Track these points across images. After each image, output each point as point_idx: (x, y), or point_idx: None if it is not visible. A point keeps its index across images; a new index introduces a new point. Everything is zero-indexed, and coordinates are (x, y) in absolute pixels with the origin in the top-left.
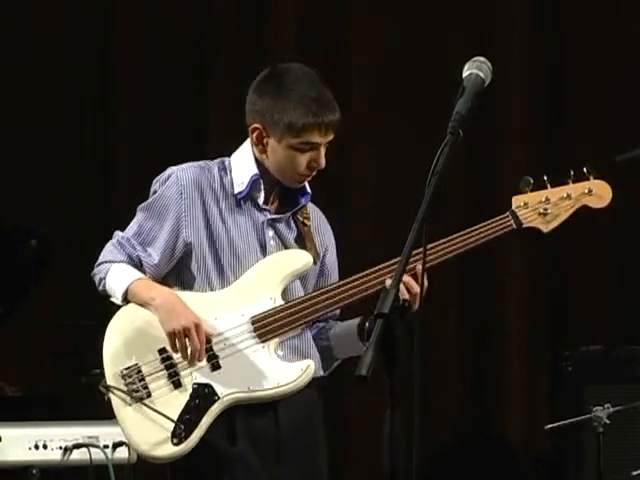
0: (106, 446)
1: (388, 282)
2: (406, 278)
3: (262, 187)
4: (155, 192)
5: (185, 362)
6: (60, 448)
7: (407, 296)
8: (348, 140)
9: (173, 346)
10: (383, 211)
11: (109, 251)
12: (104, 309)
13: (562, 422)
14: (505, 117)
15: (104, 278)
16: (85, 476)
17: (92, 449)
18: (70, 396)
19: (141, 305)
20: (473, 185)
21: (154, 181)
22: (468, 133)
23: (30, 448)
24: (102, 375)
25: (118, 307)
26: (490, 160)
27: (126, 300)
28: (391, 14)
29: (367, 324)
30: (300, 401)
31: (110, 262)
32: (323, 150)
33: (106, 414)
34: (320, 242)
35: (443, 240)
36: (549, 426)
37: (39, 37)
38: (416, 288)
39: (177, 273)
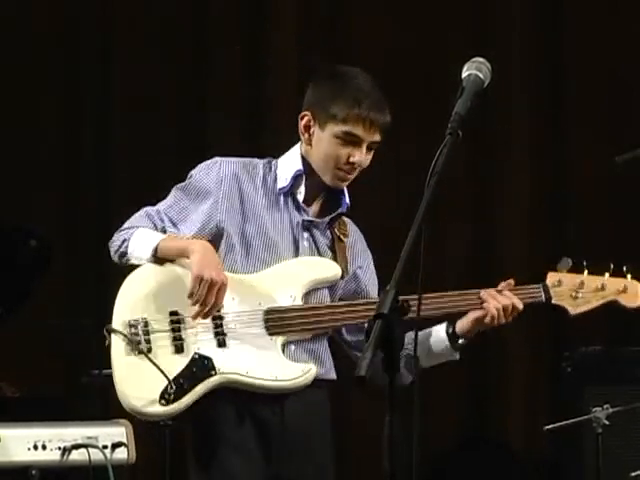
0: (105, 446)
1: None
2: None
3: (304, 183)
4: (192, 176)
5: (194, 327)
6: (59, 449)
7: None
8: None
9: (193, 292)
10: (384, 212)
11: (135, 218)
12: (104, 309)
13: (561, 423)
14: (505, 117)
15: (128, 239)
16: (85, 476)
17: (91, 449)
18: (69, 397)
19: (173, 255)
20: (473, 184)
21: (196, 168)
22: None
23: (29, 449)
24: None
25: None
26: (490, 160)
27: (154, 257)
28: (391, 14)
29: (367, 324)
30: (309, 400)
31: (135, 227)
32: (365, 148)
33: (105, 415)
34: (352, 260)
35: (483, 295)
36: (548, 427)
37: (39, 37)
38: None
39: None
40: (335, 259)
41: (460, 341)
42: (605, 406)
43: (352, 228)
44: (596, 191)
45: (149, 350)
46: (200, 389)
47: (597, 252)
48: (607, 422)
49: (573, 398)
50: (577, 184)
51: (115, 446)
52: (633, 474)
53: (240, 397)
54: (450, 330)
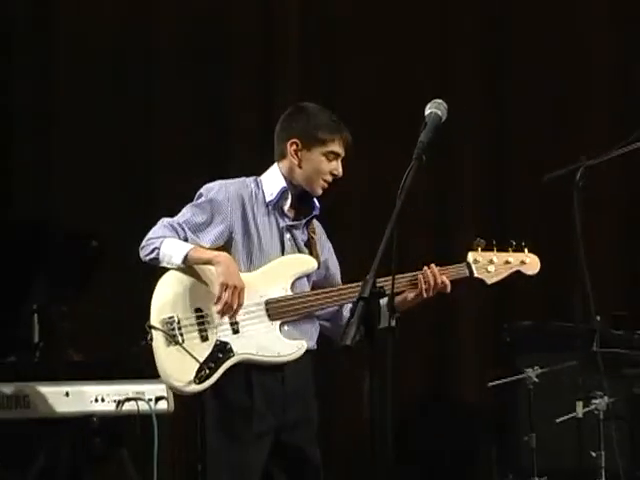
0: (150, 400)
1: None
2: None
3: (289, 196)
4: (202, 196)
5: (216, 319)
6: (114, 401)
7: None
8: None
9: (220, 295)
10: (370, 223)
11: (160, 228)
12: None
13: (500, 381)
14: (463, 147)
15: (159, 247)
16: (133, 423)
17: (139, 402)
18: (123, 362)
19: (200, 263)
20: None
21: (203, 189)
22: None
23: (91, 401)
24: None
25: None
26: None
27: (183, 263)
28: (382, 54)
29: (351, 306)
30: (300, 367)
31: (163, 236)
32: (340, 162)
33: (149, 375)
34: (321, 252)
35: (425, 273)
36: (492, 383)
37: None
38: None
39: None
40: (311, 253)
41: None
42: (535, 368)
43: (317, 227)
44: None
45: (182, 341)
46: (223, 368)
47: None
48: (536, 380)
49: (511, 361)
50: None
51: (158, 399)
52: (558, 420)
53: (250, 369)
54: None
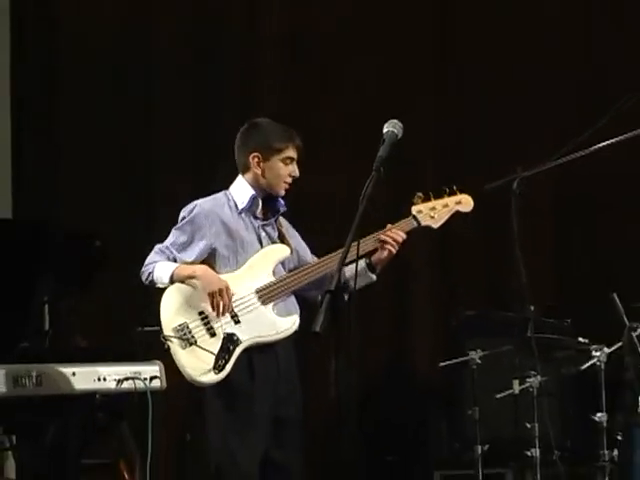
0: (145, 379)
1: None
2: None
3: (259, 202)
4: (184, 218)
5: (217, 317)
6: (115, 380)
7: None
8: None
9: (211, 302)
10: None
11: (153, 255)
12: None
13: (450, 362)
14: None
15: (152, 272)
16: (131, 399)
17: (136, 381)
18: (122, 346)
19: (184, 280)
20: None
21: (183, 210)
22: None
23: (94, 380)
24: (157, 332)
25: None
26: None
27: (171, 281)
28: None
29: (320, 297)
30: (287, 345)
31: (154, 262)
32: (295, 164)
33: (145, 358)
34: (290, 240)
35: (375, 233)
36: (442, 364)
37: None
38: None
39: (207, 263)
40: (283, 242)
41: (376, 269)
42: (478, 351)
43: (283, 221)
44: None
45: (196, 341)
46: (235, 355)
47: (477, 248)
48: (479, 361)
49: (458, 345)
50: None
51: (152, 378)
52: (497, 396)
53: (250, 351)
54: (368, 261)
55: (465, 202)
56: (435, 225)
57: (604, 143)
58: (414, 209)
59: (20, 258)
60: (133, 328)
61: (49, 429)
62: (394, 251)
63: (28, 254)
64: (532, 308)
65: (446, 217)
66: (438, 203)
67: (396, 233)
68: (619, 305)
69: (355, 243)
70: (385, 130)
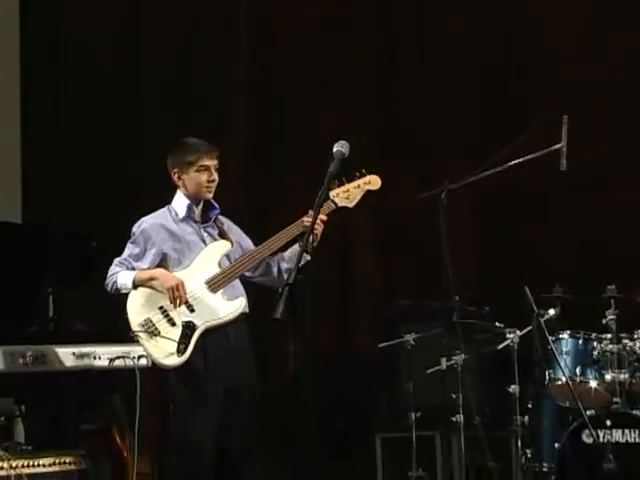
0: (134, 357)
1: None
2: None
3: (195, 209)
4: (134, 233)
5: (174, 309)
6: (108, 359)
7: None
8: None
9: (170, 296)
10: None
11: (113, 267)
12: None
13: (387, 343)
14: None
15: (116, 281)
16: (121, 375)
17: (126, 360)
18: (114, 330)
19: (145, 282)
20: None
21: (134, 227)
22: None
23: (91, 359)
24: (129, 326)
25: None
26: None
27: (134, 286)
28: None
29: (280, 289)
30: (239, 326)
31: (117, 272)
32: (214, 170)
33: (132, 340)
34: (231, 235)
35: (306, 216)
36: (381, 345)
37: None
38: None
39: (161, 266)
40: (224, 239)
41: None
42: (412, 333)
43: (223, 218)
44: None
45: (159, 332)
46: (194, 339)
47: (416, 242)
48: (413, 342)
49: (395, 329)
50: None
51: (140, 357)
52: (428, 371)
53: (204, 334)
54: (301, 243)
55: (374, 181)
56: (350, 205)
57: (518, 160)
58: (331, 193)
59: (27, 256)
60: (123, 315)
61: (53, 400)
62: (319, 231)
63: (34, 253)
64: (457, 298)
65: (359, 196)
66: (351, 186)
67: (317, 217)
68: (529, 295)
69: (281, 232)
70: (335, 149)
